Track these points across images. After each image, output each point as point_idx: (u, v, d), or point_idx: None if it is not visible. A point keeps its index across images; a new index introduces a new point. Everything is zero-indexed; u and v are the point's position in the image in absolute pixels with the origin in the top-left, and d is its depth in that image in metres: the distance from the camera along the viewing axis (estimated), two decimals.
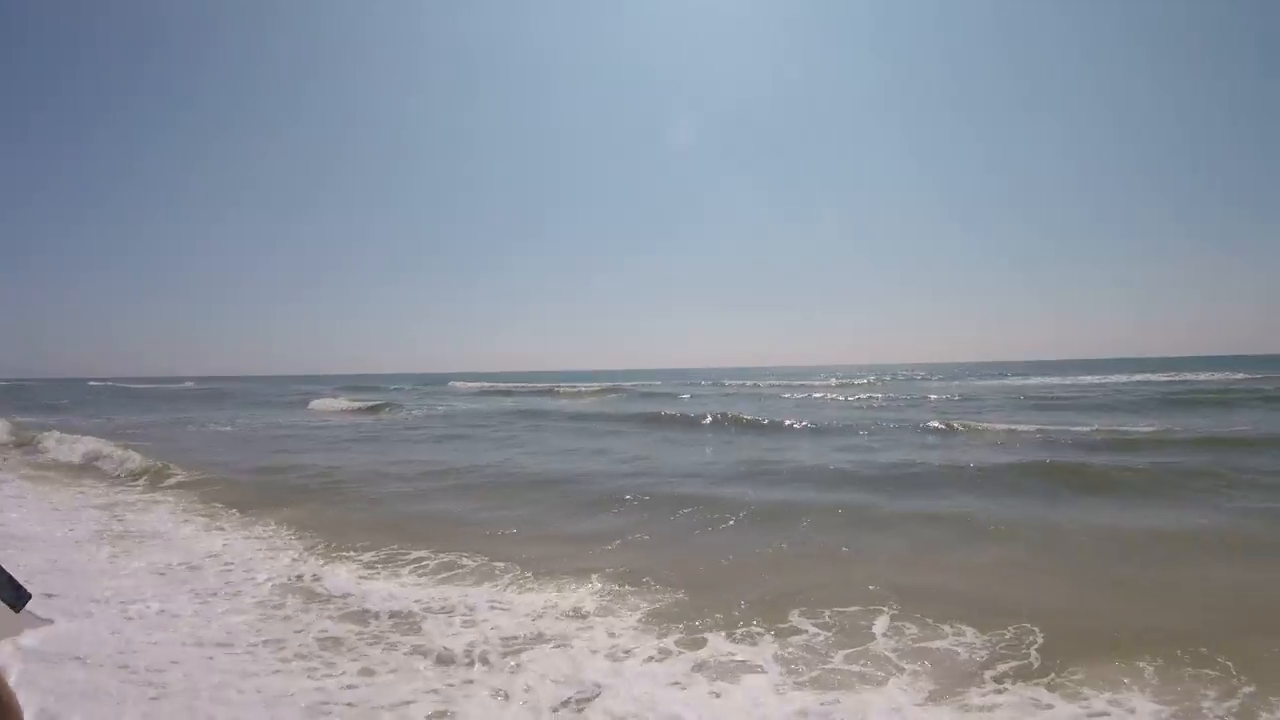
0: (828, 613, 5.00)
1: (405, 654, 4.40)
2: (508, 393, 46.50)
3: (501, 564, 6.28)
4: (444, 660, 4.31)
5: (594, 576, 5.85)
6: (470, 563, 6.36)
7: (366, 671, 4.14)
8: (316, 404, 35.89)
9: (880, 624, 4.81)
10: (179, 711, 3.61)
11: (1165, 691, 3.75)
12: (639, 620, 4.96)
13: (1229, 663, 4.01)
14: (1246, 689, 3.72)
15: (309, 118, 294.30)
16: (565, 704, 3.75)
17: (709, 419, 19.97)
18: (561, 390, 45.24)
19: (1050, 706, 3.65)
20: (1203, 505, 7.90)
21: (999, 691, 3.81)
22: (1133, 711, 3.56)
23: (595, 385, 49.88)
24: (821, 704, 3.72)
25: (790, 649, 4.43)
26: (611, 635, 4.72)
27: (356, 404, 34.07)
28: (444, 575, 6.09)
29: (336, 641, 4.60)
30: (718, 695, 3.83)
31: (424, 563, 6.45)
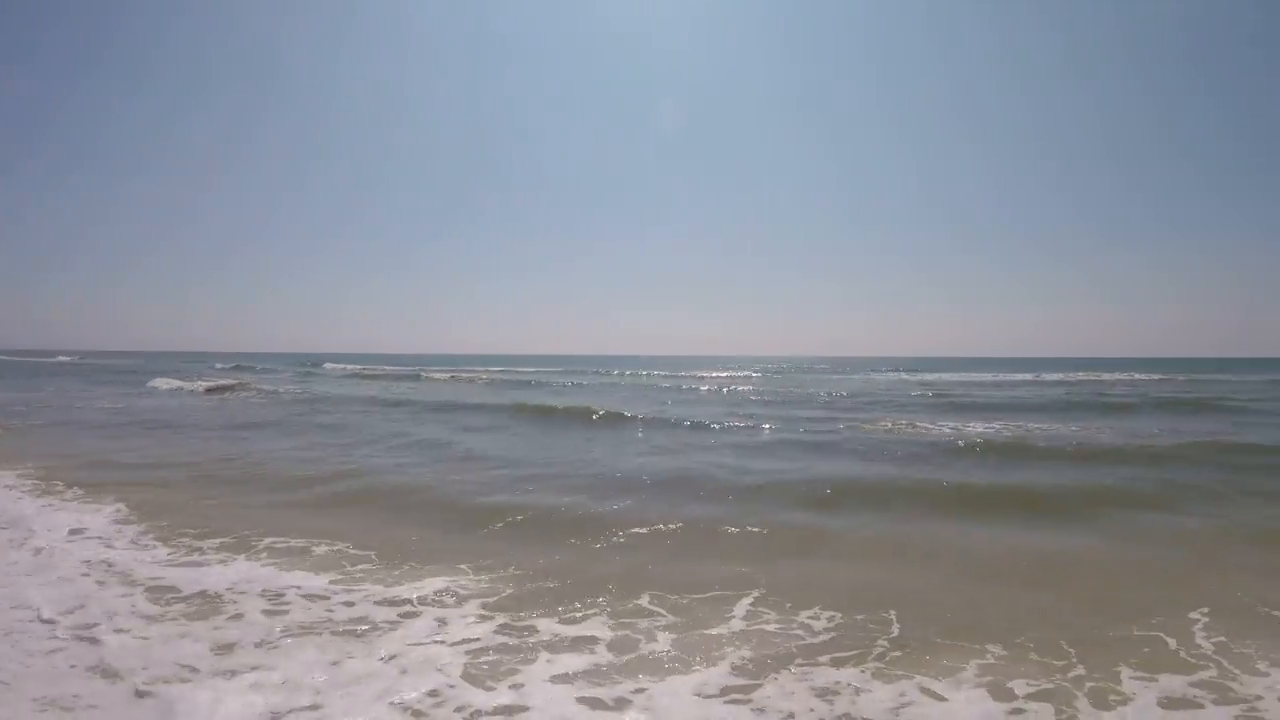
0: (679, 598, 4.79)
1: (191, 640, 4.03)
2: (374, 376, 44.41)
3: (341, 553, 5.93)
4: (221, 647, 3.97)
5: (440, 570, 5.46)
6: (315, 550, 5.98)
7: (135, 652, 3.80)
8: (157, 383, 31.53)
9: (740, 607, 4.64)
10: None
11: (992, 675, 3.67)
12: (475, 609, 4.63)
13: (1071, 650, 3.99)
14: (1076, 672, 3.69)
15: (223, 73, 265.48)
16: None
17: (562, 405, 19.15)
18: (432, 376, 43.76)
19: (868, 691, 3.50)
20: (1081, 519, 7.49)
21: (802, 678, 3.64)
22: (940, 698, 3.46)
23: (480, 369, 48.65)
24: (607, 693, 3.48)
25: (622, 631, 4.23)
26: (441, 623, 4.36)
27: (203, 384, 30.22)
28: (273, 562, 5.64)
29: (119, 616, 4.30)
30: (491, 689, 3.50)
31: (267, 550, 6.00)
